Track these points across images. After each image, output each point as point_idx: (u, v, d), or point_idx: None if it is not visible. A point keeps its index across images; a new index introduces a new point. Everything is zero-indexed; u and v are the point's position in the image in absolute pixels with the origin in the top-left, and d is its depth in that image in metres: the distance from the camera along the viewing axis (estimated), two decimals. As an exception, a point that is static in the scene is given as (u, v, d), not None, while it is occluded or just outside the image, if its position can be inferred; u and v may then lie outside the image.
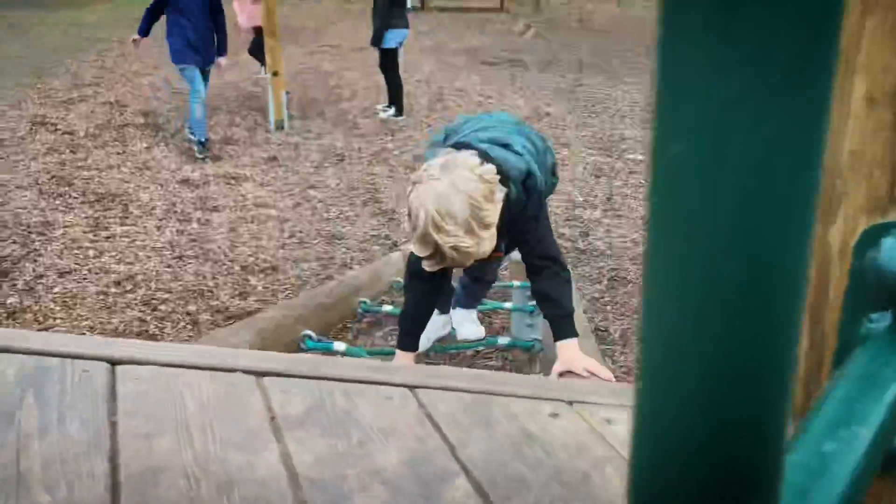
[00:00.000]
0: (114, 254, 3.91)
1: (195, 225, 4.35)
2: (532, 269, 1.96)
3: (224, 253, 3.98)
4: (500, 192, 1.70)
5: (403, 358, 2.03)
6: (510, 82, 9.20)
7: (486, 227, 1.64)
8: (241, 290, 3.56)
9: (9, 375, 0.80)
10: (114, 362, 0.81)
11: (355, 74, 9.58)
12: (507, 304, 2.90)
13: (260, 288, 3.59)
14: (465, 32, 14.54)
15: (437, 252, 1.65)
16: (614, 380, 1.72)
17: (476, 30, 15.00)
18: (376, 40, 6.83)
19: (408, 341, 2.05)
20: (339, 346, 2.31)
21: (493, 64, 10.58)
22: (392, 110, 7.15)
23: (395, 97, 7.13)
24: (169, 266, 3.79)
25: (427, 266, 1.73)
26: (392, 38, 6.90)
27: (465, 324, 2.66)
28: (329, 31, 12.82)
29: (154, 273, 3.70)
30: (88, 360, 0.81)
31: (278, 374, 0.92)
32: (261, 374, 0.91)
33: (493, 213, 1.65)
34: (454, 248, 1.61)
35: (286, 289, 3.57)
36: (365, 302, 2.62)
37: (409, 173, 5.40)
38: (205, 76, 5.75)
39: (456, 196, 1.60)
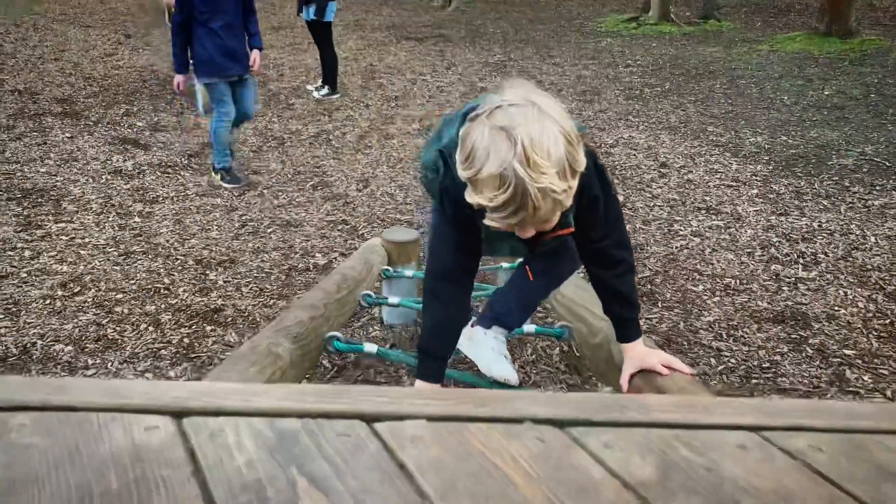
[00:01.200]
0: (53, 253, 3.64)
1: (137, 218, 4.09)
2: (602, 261, 1.63)
3: (174, 247, 3.75)
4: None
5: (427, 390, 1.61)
6: (440, 58, 9.07)
7: (575, 174, 1.28)
8: (200, 285, 3.36)
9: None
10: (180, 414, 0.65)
11: (279, 54, 9.26)
12: (493, 288, 2.81)
13: (220, 282, 3.39)
14: (383, 8, 14.28)
15: (516, 197, 1.22)
16: (694, 373, 1.60)
17: (394, 5, 14.75)
18: (320, 12, 6.58)
19: (433, 369, 1.65)
20: (371, 347, 2.17)
21: (418, 39, 10.41)
22: (326, 89, 6.93)
23: (330, 75, 6.91)
24: (117, 264, 3.54)
25: (495, 220, 1.29)
26: (331, 11, 6.67)
27: (497, 359, 1.97)
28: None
29: (102, 272, 3.45)
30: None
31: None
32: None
33: (582, 159, 1.29)
34: (542, 190, 1.21)
35: (249, 282, 3.39)
36: (369, 295, 2.48)
37: (355, 155, 5.25)
38: (244, 85, 4.66)
39: (551, 125, 1.24)
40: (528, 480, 0.58)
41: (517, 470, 0.59)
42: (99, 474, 0.55)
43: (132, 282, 3.37)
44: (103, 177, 4.72)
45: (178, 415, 0.64)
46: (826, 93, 6.95)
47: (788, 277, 3.42)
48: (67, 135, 5.57)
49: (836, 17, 9.54)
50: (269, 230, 3.99)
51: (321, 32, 6.79)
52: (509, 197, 1.22)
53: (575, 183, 1.28)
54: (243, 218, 4.14)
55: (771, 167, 4.92)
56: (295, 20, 12.51)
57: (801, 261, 3.59)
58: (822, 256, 3.62)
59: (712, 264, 3.57)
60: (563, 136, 1.24)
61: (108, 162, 5.00)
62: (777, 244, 3.76)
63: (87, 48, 9.57)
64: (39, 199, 4.32)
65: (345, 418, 0.65)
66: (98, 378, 2.61)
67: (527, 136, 1.21)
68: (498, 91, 1.34)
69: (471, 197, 1.28)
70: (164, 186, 4.59)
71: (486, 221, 1.30)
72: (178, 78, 4.44)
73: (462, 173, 1.28)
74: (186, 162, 5.05)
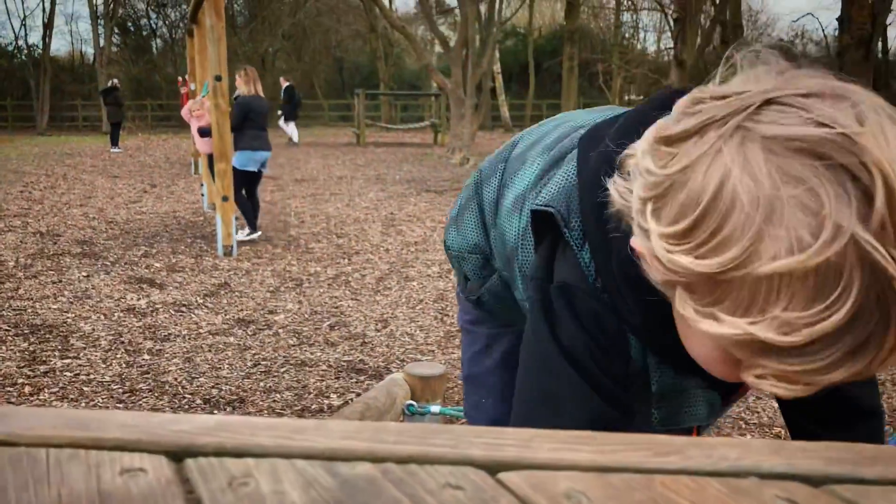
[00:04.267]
0: (55, 390, 3.42)
1: (146, 356, 3.90)
2: (850, 414, 0.96)
3: (182, 385, 3.53)
4: None
5: None
6: (458, 208, 9.17)
7: None
8: (206, 426, 3.11)
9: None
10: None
11: (300, 203, 9.40)
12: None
13: (229, 423, 3.15)
14: (404, 164, 14.71)
15: (869, 310, 0.53)
16: None
17: (415, 162, 15.20)
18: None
19: None
20: (435, 408, 2.35)
21: (438, 192, 10.58)
22: (246, 230, 6.89)
23: (247, 217, 6.94)
24: (121, 402, 3.32)
25: (795, 367, 0.57)
26: (246, 160, 6.73)
27: None
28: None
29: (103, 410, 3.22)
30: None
31: None
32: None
33: None
34: None
35: (259, 423, 3.15)
36: (412, 405, 2.30)
37: (374, 296, 5.11)
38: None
39: None
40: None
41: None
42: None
43: (134, 421, 3.14)
44: (115, 314, 4.57)
45: (178, 454, 0.43)
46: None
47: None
48: (84, 273, 5.49)
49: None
50: (283, 370, 3.77)
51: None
52: (856, 309, 0.53)
53: None
54: (256, 357, 3.94)
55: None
56: (317, 173, 12.85)
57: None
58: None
59: (758, 413, 3.31)
60: None
61: (122, 300, 4.87)
62: (827, 393, 3.51)
63: (113, 195, 9.77)
64: (47, 336, 4.16)
65: (451, 464, 0.42)
66: None
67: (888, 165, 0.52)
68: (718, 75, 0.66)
69: (710, 325, 0.59)
70: (176, 325, 4.43)
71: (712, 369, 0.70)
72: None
73: (685, 260, 0.58)
74: (201, 301, 4.91)
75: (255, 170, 6.77)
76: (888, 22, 23.75)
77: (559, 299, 0.82)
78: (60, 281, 5.28)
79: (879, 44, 24.69)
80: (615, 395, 0.82)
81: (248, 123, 6.71)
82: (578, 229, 0.82)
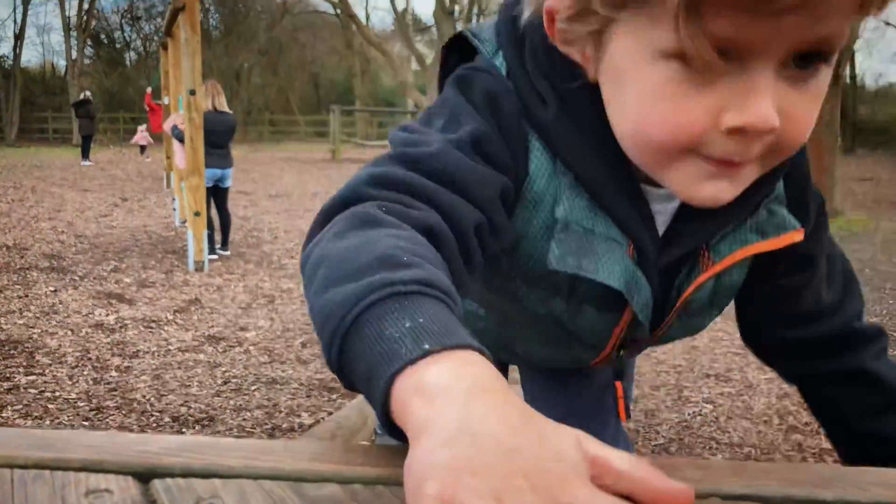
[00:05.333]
0: (18, 407, 3.36)
1: (114, 373, 3.84)
2: (846, 337, 0.88)
3: (150, 403, 3.48)
4: None
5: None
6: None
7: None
8: (174, 444, 3.07)
9: None
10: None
11: (274, 218, 9.35)
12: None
13: (197, 441, 3.11)
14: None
15: None
16: None
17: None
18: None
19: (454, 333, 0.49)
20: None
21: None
22: (218, 246, 6.91)
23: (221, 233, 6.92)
24: (87, 419, 3.27)
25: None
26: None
27: None
28: (240, 179, 12.64)
29: (68, 428, 3.17)
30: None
31: None
32: None
33: None
34: None
35: (228, 441, 3.11)
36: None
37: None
38: None
39: None
40: None
41: None
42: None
43: (100, 439, 3.09)
44: (83, 330, 4.50)
45: (145, 475, 0.43)
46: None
47: (812, 448, 3.18)
48: (51, 288, 5.41)
49: (820, 197, 9.82)
50: (254, 387, 3.74)
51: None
52: None
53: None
54: (226, 374, 3.89)
55: (776, 335, 4.79)
56: (291, 189, 12.82)
57: (822, 431, 3.35)
58: (844, 426, 3.40)
59: (729, 432, 3.33)
60: None
61: (90, 315, 4.80)
62: (795, 413, 3.55)
63: (83, 209, 9.66)
64: (12, 352, 4.08)
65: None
66: None
67: None
68: None
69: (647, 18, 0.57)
70: (145, 341, 4.37)
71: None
72: None
73: None
74: (171, 317, 4.86)
75: (208, 186, 6.62)
76: (855, 48, 24.31)
77: (460, 76, 0.75)
78: (27, 295, 5.20)
79: (848, 68, 25.26)
80: (481, 179, 0.68)
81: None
82: (491, 39, 0.77)
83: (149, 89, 14.00)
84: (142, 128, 18.25)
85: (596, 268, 0.74)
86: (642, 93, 0.61)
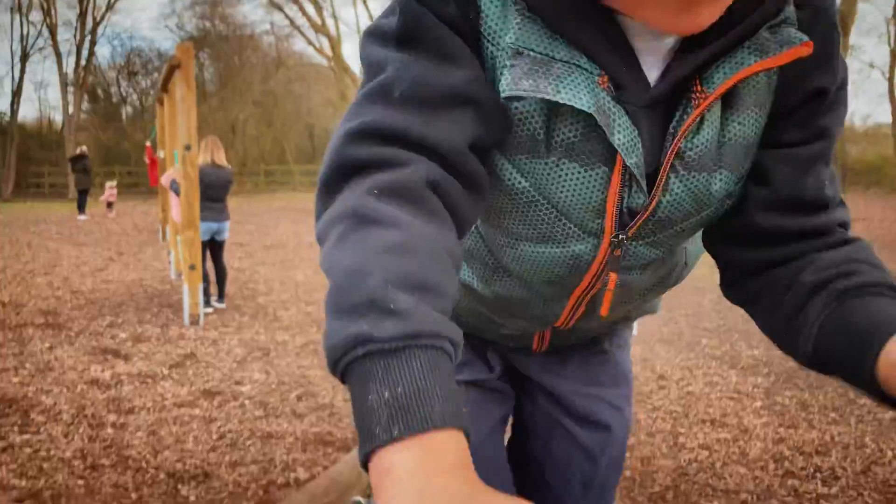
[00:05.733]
0: (13, 467, 3.34)
1: (109, 430, 3.83)
2: (841, 252, 0.75)
3: (146, 459, 3.47)
4: None
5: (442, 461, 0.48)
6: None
7: None
8: (170, 501, 3.05)
9: None
10: None
11: (269, 269, 9.38)
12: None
13: (193, 498, 3.09)
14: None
15: None
16: None
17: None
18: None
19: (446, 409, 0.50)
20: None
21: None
22: (213, 298, 6.94)
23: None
24: (81, 478, 3.25)
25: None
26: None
27: None
28: (235, 230, 12.70)
29: (64, 487, 3.15)
30: None
31: None
32: None
33: None
34: None
35: (223, 498, 3.10)
36: (359, 501, 2.24)
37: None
38: None
39: None
40: None
41: None
42: None
43: (96, 497, 3.07)
44: (79, 387, 4.50)
45: None
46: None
47: (809, 493, 3.17)
48: (47, 345, 5.41)
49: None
50: (249, 442, 3.73)
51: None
52: None
53: None
54: (222, 429, 3.89)
55: (772, 379, 4.81)
56: (286, 239, 12.86)
57: (818, 475, 3.35)
58: (841, 471, 3.39)
59: (725, 479, 3.32)
60: None
61: (86, 372, 4.80)
62: (791, 457, 3.54)
63: (79, 264, 9.68)
64: (7, 410, 4.07)
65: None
66: None
67: None
68: None
69: None
70: (141, 397, 4.37)
71: None
72: None
73: None
74: (167, 372, 4.86)
75: (205, 239, 6.66)
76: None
77: None
78: (22, 353, 5.19)
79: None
80: (447, 79, 0.67)
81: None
82: None
83: (148, 142, 14.17)
84: (110, 184, 18.47)
85: (557, 88, 0.67)
86: None
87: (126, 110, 37.72)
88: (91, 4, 30.86)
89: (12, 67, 30.73)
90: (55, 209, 20.91)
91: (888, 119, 25.70)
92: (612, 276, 0.82)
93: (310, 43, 22.72)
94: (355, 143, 0.65)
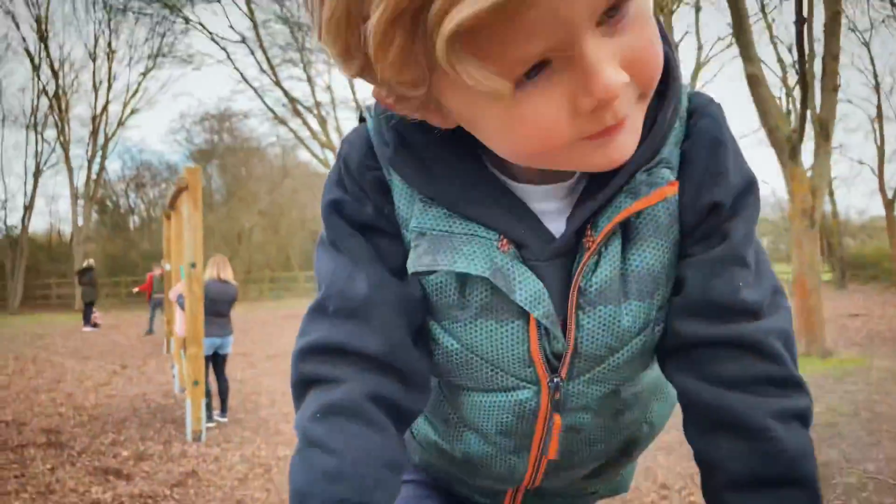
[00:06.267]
0: None
1: (108, 555, 3.82)
2: (754, 372, 0.74)
3: (144, 587, 3.45)
4: None
5: None
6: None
7: None
8: None
9: None
10: None
11: (272, 380, 9.40)
12: None
13: None
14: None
15: None
16: None
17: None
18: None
19: None
20: None
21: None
22: (216, 412, 6.97)
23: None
24: None
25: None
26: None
27: None
28: (238, 340, 12.76)
29: None
30: None
31: None
32: None
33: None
34: None
35: None
36: None
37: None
38: None
39: None
40: None
41: None
42: None
43: None
44: (79, 510, 4.49)
45: None
46: (816, 409, 6.97)
47: None
48: (48, 466, 5.41)
49: (811, 338, 9.93)
50: (249, 566, 3.70)
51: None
52: None
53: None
54: (222, 552, 3.86)
55: (774, 487, 4.77)
56: (290, 348, 12.88)
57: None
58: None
59: None
60: None
61: (87, 493, 4.79)
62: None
63: (83, 378, 9.72)
64: (6, 536, 4.06)
65: None
66: None
67: None
68: None
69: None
70: (141, 519, 4.35)
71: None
72: None
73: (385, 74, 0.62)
74: (168, 492, 4.85)
75: (208, 354, 6.73)
76: (834, 186, 25.18)
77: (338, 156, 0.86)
78: (24, 475, 5.19)
79: (829, 205, 26.04)
80: (374, 278, 0.79)
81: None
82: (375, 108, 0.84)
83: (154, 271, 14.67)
84: (96, 315, 18.89)
85: (453, 259, 0.76)
86: (499, 127, 0.66)
87: (133, 220, 38.46)
88: (103, 122, 32.02)
89: (25, 183, 31.52)
90: (61, 321, 21.05)
91: (882, 212, 26.04)
92: (556, 417, 0.85)
93: (314, 155, 23.32)
94: (306, 360, 0.78)
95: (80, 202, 31.98)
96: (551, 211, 0.79)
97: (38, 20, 29.96)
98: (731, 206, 0.78)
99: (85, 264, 19.29)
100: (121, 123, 32.73)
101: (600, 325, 0.78)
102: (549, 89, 0.62)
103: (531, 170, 0.78)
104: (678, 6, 14.35)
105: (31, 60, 30.40)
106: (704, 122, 0.79)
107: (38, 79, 30.91)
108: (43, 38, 30.23)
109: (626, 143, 0.67)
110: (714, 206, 0.77)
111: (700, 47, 15.49)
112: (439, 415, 0.97)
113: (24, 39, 31.09)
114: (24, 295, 29.32)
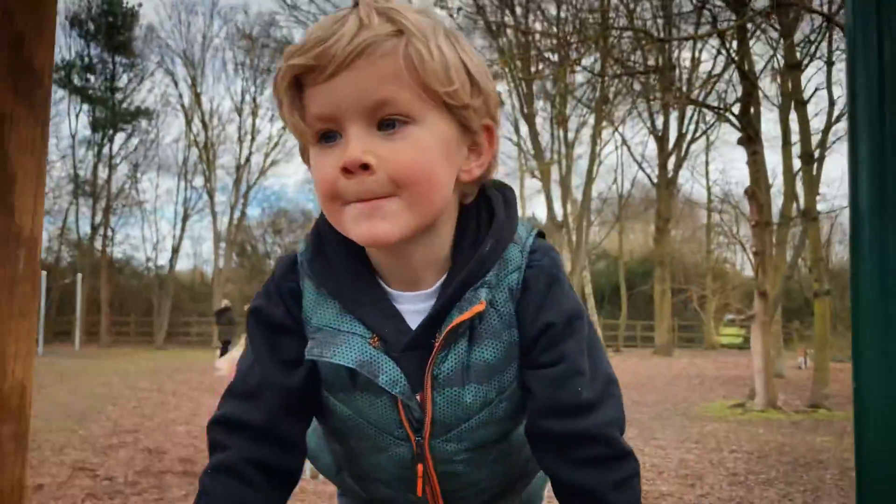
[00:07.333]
0: None
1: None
2: (591, 455, 0.98)
3: None
4: None
5: None
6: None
7: (479, 92, 0.96)
8: None
9: None
10: None
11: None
12: None
13: None
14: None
15: (336, 22, 0.91)
16: None
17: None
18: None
19: None
20: None
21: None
22: None
23: None
24: None
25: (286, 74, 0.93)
26: None
27: None
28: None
29: None
30: None
31: None
32: None
33: (496, 100, 1.02)
34: (390, 17, 0.90)
35: None
36: None
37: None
38: None
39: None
40: None
41: None
42: None
43: None
44: (207, 535, 4.89)
45: None
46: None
47: None
48: (183, 492, 5.91)
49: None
50: None
51: None
52: (325, 24, 0.91)
53: (475, 102, 0.95)
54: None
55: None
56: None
57: None
58: None
59: None
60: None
61: (214, 521, 5.20)
62: None
63: (216, 413, 10.36)
64: (144, 554, 4.49)
65: None
66: None
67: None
68: None
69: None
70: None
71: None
72: None
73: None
74: (286, 525, 5.19)
75: None
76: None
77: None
78: (162, 498, 5.70)
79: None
80: (271, 371, 1.04)
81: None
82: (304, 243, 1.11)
83: None
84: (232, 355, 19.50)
85: (332, 353, 1.00)
86: (312, 174, 0.98)
87: (270, 263, 40.48)
88: (246, 171, 34.27)
89: (174, 226, 34.10)
90: (200, 358, 22.41)
91: None
92: (431, 466, 1.08)
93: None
94: (211, 429, 1.06)
95: (223, 245, 34.16)
96: (417, 311, 1.03)
97: (192, 79, 32.64)
98: (563, 327, 1.01)
99: (223, 305, 20.53)
100: (262, 173, 34.93)
101: (448, 402, 1.03)
102: (333, 153, 0.92)
103: (400, 277, 1.04)
104: (810, 62, 14.00)
105: (185, 115, 33.11)
106: (545, 260, 1.04)
107: (191, 131, 33.60)
108: (197, 95, 32.90)
109: (384, 230, 0.92)
110: (548, 325, 1.01)
111: (832, 103, 14.88)
112: (355, 470, 1.23)
113: (180, 96, 33.87)
114: (168, 332, 31.44)
